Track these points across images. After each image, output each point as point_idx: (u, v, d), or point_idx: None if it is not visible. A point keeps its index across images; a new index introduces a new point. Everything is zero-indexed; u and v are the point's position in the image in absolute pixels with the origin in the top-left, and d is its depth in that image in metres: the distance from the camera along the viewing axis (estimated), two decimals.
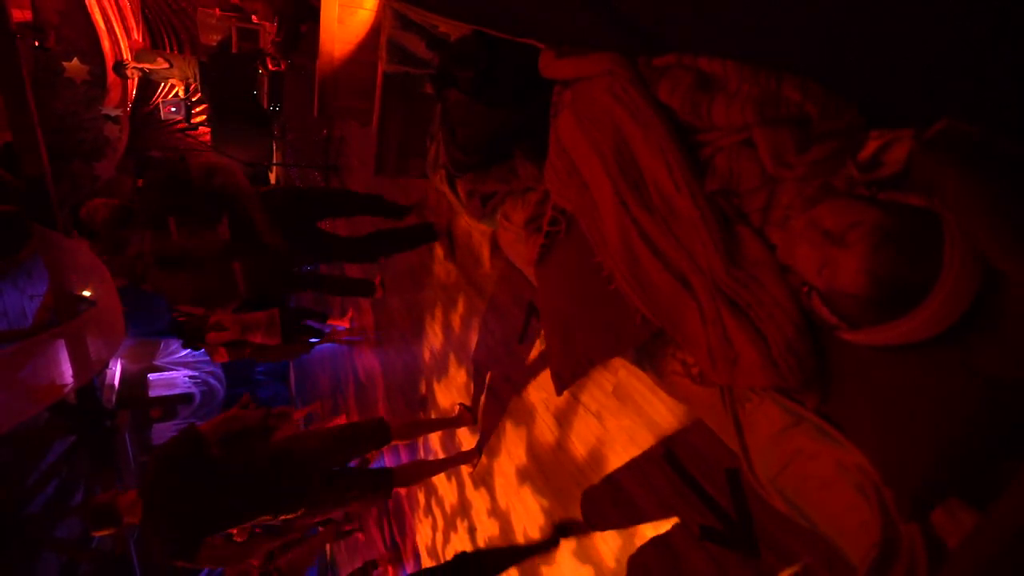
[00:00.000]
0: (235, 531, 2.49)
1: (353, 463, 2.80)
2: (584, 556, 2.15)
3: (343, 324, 5.74)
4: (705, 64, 1.09)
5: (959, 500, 0.81)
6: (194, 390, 14.50)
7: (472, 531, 3.19)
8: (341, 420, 3.82)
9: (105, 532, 2.34)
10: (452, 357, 3.33)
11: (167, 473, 2.25)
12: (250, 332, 4.54)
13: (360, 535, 5.47)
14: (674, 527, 1.71)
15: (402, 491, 4.33)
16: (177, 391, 14.38)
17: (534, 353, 2.44)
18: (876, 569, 0.84)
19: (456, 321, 3.24)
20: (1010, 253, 0.72)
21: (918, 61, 0.76)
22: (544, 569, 2.44)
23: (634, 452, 1.86)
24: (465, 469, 3.18)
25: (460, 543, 3.38)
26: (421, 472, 3.25)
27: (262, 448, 2.55)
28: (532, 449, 2.48)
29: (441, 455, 3.59)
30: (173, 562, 2.26)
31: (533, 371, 2.46)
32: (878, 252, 0.82)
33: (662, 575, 1.75)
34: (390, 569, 4.12)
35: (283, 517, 2.47)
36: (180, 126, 10.93)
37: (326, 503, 2.60)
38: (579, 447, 2.15)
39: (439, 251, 3.43)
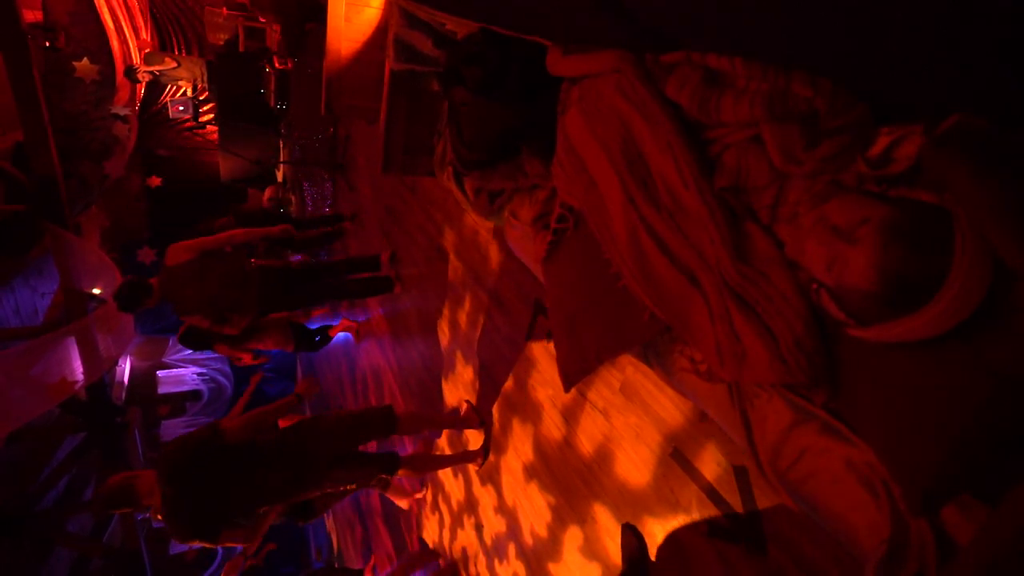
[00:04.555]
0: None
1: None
2: (591, 553, 2.16)
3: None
4: (713, 61, 1.09)
5: (970, 496, 0.81)
6: (202, 387, 14.63)
7: (479, 528, 3.20)
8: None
9: (121, 511, 2.43)
10: (459, 354, 3.34)
11: (184, 461, 2.32)
12: (259, 338, 4.58)
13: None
14: (682, 524, 1.71)
15: (407, 486, 4.34)
16: (185, 388, 14.51)
17: (541, 350, 2.45)
18: (885, 565, 0.84)
19: (463, 318, 3.25)
20: (1021, 249, 0.72)
21: (924, 58, 0.75)
22: (551, 566, 2.44)
23: (641, 449, 1.86)
24: (472, 466, 3.19)
25: (467, 540, 3.40)
26: (427, 464, 3.28)
27: (271, 434, 2.62)
28: (539, 446, 2.49)
29: (448, 451, 3.60)
30: (193, 543, 2.37)
31: (540, 368, 2.46)
32: (888, 248, 0.81)
33: (671, 573, 1.75)
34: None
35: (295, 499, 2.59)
36: (188, 124, 11.04)
37: (334, 483, 2.72)
38: (586, 444, 2.15)
39: (447, 250, 3.44)
